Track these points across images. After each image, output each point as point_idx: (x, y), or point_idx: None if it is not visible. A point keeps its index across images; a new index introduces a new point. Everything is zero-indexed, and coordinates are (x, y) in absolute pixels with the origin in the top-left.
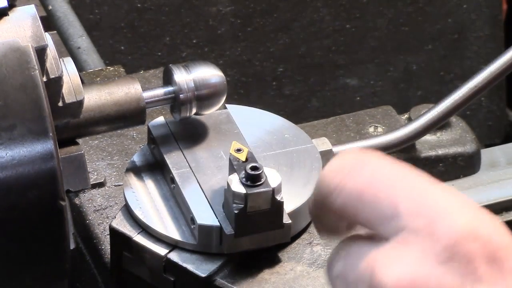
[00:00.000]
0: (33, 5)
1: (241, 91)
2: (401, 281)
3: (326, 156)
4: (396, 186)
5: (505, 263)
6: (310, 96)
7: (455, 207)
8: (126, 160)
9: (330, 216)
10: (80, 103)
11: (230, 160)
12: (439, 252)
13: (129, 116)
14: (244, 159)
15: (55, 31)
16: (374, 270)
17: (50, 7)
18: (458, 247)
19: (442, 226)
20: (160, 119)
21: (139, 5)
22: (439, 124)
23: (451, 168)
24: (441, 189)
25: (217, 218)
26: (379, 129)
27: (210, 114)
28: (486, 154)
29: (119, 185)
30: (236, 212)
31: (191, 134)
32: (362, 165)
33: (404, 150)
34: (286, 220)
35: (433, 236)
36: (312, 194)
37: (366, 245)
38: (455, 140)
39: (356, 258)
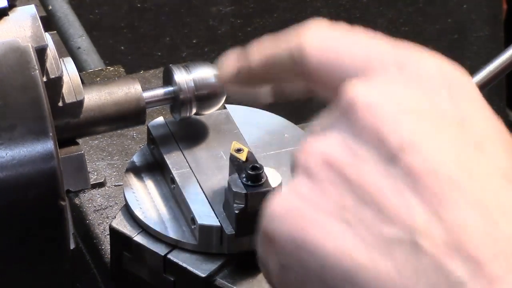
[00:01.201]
0: (33, 5)
1: None
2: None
3: None
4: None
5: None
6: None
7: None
8: (126, 160)
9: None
10: (80, 103)
11: (230, 160)
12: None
13: (129, 116)
14: (244, 159)
15: (55, 31)
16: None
17: (50, 7)
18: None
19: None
20: (160, 119)
21: (139, 5)
22: None
23: None
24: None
25: (217, 218)
26: None
27: (210, 114)
28: None
29: (119, 185)
30: (236, 212)
31: (191, 134)
32: (344, 29)
33: None
34: None
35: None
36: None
37: None
38: None
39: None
